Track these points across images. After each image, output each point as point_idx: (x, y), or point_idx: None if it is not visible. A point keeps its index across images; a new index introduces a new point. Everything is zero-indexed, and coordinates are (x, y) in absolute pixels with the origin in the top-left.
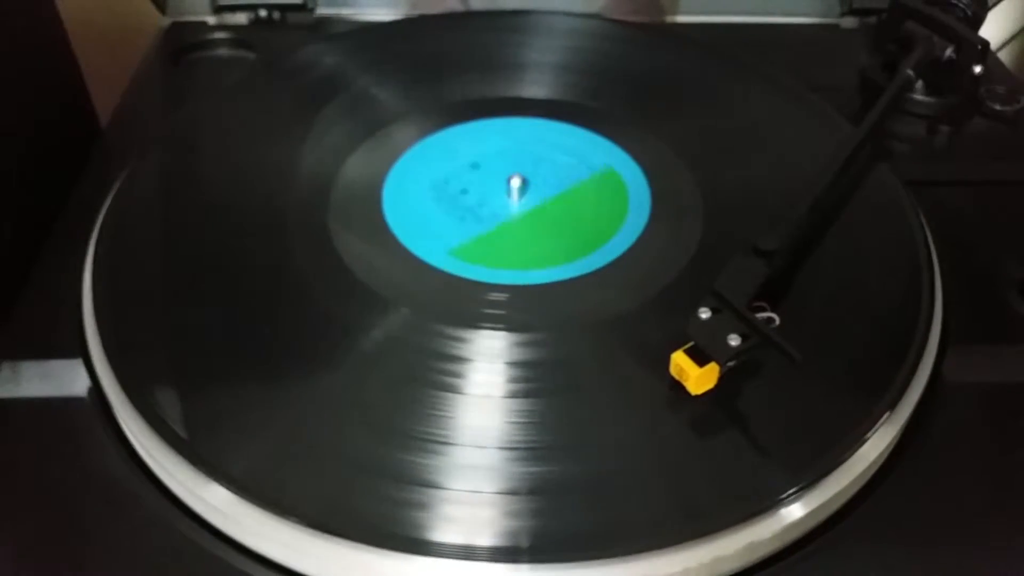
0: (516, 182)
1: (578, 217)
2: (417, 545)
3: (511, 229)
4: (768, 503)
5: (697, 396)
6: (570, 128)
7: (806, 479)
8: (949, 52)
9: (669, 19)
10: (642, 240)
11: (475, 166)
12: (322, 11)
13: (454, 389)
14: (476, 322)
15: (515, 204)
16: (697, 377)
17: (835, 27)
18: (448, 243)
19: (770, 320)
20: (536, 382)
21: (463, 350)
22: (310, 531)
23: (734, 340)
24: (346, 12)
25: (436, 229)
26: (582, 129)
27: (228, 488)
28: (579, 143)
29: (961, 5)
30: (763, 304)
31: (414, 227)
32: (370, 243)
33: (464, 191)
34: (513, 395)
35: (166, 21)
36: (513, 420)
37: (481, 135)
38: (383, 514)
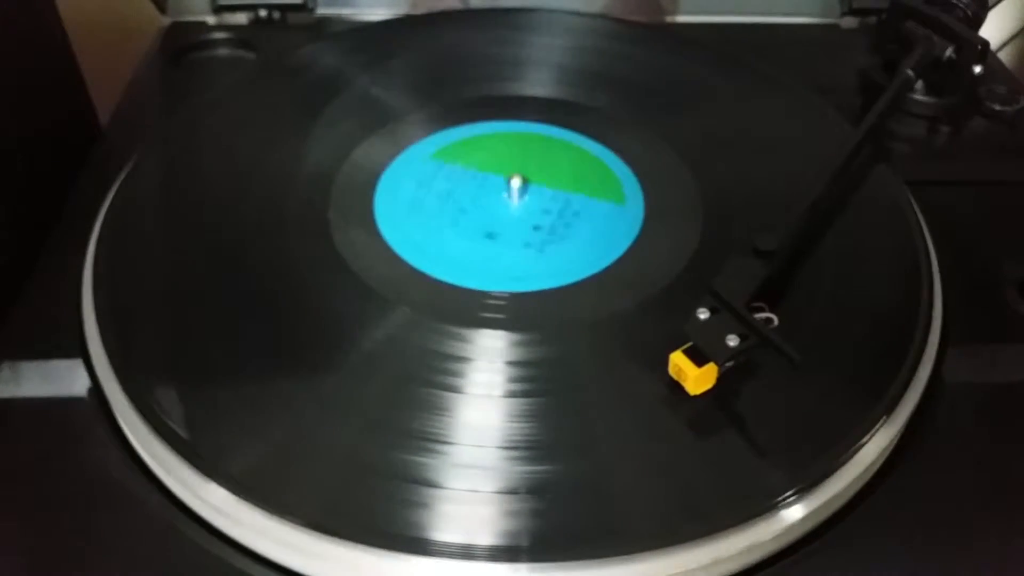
0: (516, 182)
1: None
2: (417, 545)
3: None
4: (768, 504)
5: (696, 396)
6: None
7: (806, 480)
8: (949, 52)
9: (669, 19)
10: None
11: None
12: (322, 11)
13: (454, 389)
14: (476, 322)
15: (514, 205)
16: (695, 377)
17: (835, 27)
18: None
19: (769, 320)
20: (536, 382)
21: (463, 350)
22: (310, 531)
23: (732, 340)
24: (346, 12)
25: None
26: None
27: (228, 488)
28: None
29: (961, 5)
30: (762, 304)
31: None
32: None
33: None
34: (513, 395)
35: (166, 21)
36: (513, 420)
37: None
38: (383, 514)
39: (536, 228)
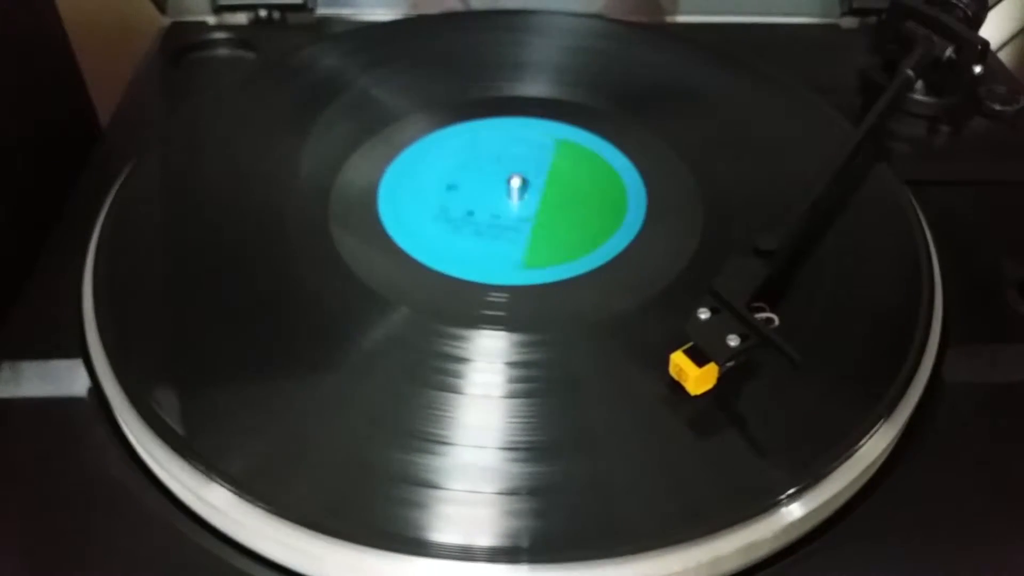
0: (516, 182)
1: (579, 212)
2: (417, 545)
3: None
4: (768, 503)
5: (696, 396)
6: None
7: (806, 479)
8: (949, 52)
9: (669, 19)
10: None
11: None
12: (322, 11)
13: (454, 389)
14: (476, 322)
15: (515, 205)
16: (696, 377)
17: (835, 27)
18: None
19: (769, 320)
20: (536, 382)
21: (463, 350)
22: (310, 531)
23: (733, 340)
24: (346, 12)
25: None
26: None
27: (228, 488)
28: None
29: (961, 5)
30: (762, 304)
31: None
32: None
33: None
34: (513, 395)
35: (166, 21)
36: (513, 420)
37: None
38: (383, 514)
39: (469, 214)
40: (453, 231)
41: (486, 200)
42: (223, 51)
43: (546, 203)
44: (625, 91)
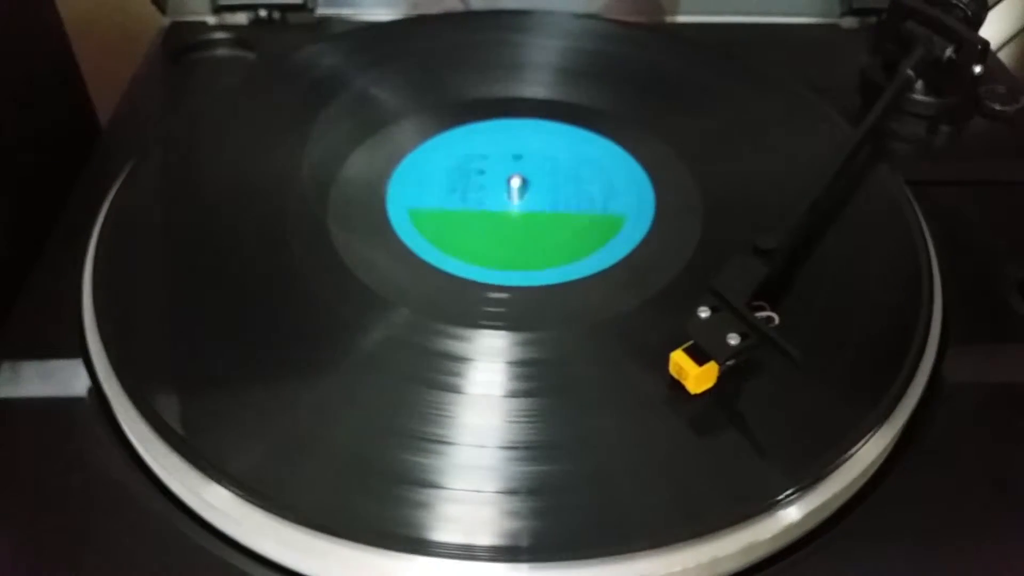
0: (516, 182)
1: (555, 237)
2: (417, 545)
3: (488, 220)
4: (767, 503)
5: (696, 395)
6: (588, 135)
7: (805, 479)
8: (949, 52)
9: (669, 19)
10: (642, 240)
11: (476, 167)
12: (322, 11)
13: (454, 389)
14: (476, 322)
15: (512, 203)
16: (696, 376)
17: (835, 27)
18: (412, 204)
19: (769, 319)
20: (536, 382)
21: (463, 350)
22: (310, 531)
23: (733, 339)
24: (346, 12)
25: (436, 227)
26: (601, 137)
27: (228, 488)
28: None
29: (961, 5)
30: (762, 303)
31: (415, 226)
32: (370, 243)
33: (471, 181)
34: (513, 395)
35: (166, 21)
36: (513, 420)
37: (481, 135)
38: (383, 514)
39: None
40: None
41: (489, 199)
42: (223, 51)
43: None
44: (625, 91)
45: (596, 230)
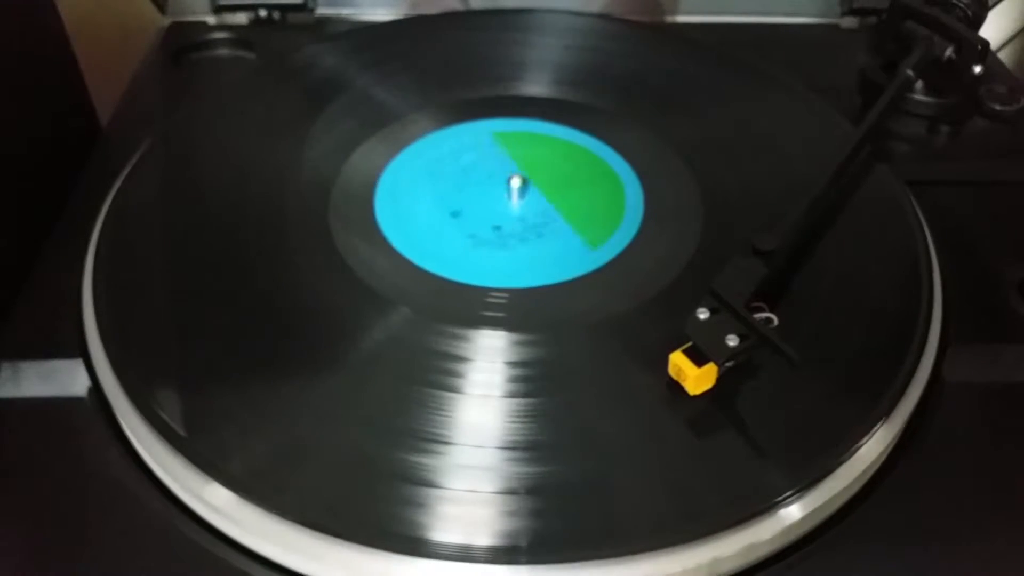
0: (516, 182)
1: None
2: (417, 545)
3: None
4: (767, 503)
5: (695, 396)
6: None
7: (805, 479)
8: (949, 52)
9: (669, 19)
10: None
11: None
12: (322, 11)
13: (454, 389)
14: (476, 322)
15: (514, 205)
16: (695, 377)
17: (835, 27)
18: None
19: (768, 320)
20: (535, 382)
21: (463, 350)
22: (310, 531)
23: (732, 340)
24: (346, 12)
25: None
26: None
27: (228, 488)
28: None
29: (961, 5)
30: (761, 304)
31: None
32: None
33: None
34: (513, 395)
35: (166, 21)
36: (512, 420)
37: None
38: (383, 514)
39: (496, 228)
40: (479, 244)
41: (493, 203)
42: (223, 51)
43: (555, 198)
44: (625, 91)
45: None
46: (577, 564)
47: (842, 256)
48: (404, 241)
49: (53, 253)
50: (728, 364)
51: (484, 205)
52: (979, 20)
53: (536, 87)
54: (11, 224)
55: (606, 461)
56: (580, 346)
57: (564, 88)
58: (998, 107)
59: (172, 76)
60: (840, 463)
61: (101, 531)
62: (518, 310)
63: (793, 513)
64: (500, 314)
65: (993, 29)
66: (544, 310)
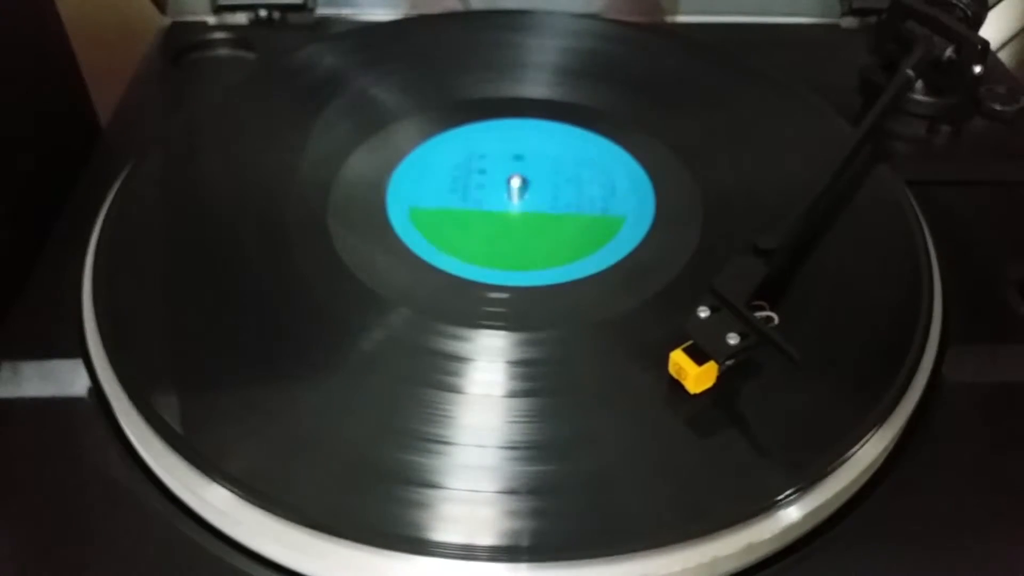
0: (516, 182)
1: (554, 237)
2: (417, 545)
3: (488, 220)
4: (767, 503)
5: (696, 395)
6: (588, 135)
7: (805, 479)
8: (949, 52)
9: (669, 19)
10: (642, 240)
11: (476, 167)
12: (322, 11)
13: (454, 389)
14: (476, 322)
15: (512, 203)
16: (696, 376)
17: (835, 27)
18: (413, 203)
19: (769, 319)
20: (536, 381)
21: (463, 350)
22: (310, 531)
23: (733, 339)
24: (346, 12)
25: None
26: (602, 138)
27: (228, 488)
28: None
29: (961, 5)
30: (762, 303)
31: (415, 226)
32: (370, 243)
33: (472, 180)
34: (513, 395)
35: (166, 21)
36: (513, 419)
37: (481, 135)
38: (383, 514)
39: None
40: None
41: (489, 199)
42: (223, 51)
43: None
44: (625, 91)
45: (596, 230)
46: (577, 563)
47: (842, 255)
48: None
49: (53, 253)
50: (729, 363)
51: (484, 205)
52: (979, 20)
53: (536, 87)
54: (11, 224)
55: (606, 460)
56: (581, 345)
57: (564, 89)
58: (998, 107)
59: (172, 76)
60: (840, 463)
61: (101, 531)
62: (519, 310)
63: (793, 513)
64: (501, 310)
65: (993, 29)
66: (545, 310)
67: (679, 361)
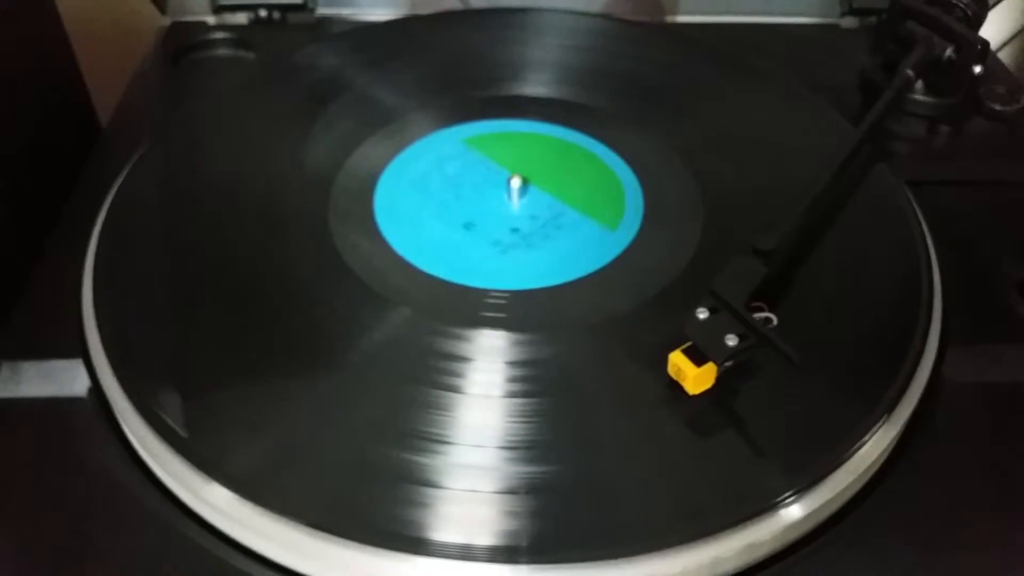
0: (516, 182)
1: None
2: (417, 545)
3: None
4: (767, 503)
5: (695, 396)
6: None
7: (805, 479)
8: (949, 52)
9: (669, 19)
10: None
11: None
12: (322, 11)
13: (454, 389)
14: (476, 322)
15: (514, 205)
16: (695, 377)
17: (835, 27)
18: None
19: (768, 320)
20: (535, 382)
21: (463, 350)
22: (310, 531)
23: (731, 340)
24: (346, 12)
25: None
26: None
27: (228, 488)
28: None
29: (961, 5)
30: (761, 304)
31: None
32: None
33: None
34: (513, 395)
35: (166, 21)
36: (513, 420)
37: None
38: (383, 514)
39: (514, 231)
40: (439, 220)
41: (490, 199)
42: (223, 51)
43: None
44: (625, 91)
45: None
46: (577, 564)
47: (842, 256)
48: (405, 241)
49: (53, 253)
50: (727, 364)
51: (485, 206)
52: (979, 20)
53: (536, 87)
54: (11, 224)
55: (606, 461)
56: (580, 346)
57: (564, 88)
58: (998, 107)
59: (172, 76)
60: (840, 463)
61: (101, 531)
62: (518, 310)
63: (793, 513)
64: (501, 312)
65: (993, 29)
66: (544, 310)
67: (678, 362)
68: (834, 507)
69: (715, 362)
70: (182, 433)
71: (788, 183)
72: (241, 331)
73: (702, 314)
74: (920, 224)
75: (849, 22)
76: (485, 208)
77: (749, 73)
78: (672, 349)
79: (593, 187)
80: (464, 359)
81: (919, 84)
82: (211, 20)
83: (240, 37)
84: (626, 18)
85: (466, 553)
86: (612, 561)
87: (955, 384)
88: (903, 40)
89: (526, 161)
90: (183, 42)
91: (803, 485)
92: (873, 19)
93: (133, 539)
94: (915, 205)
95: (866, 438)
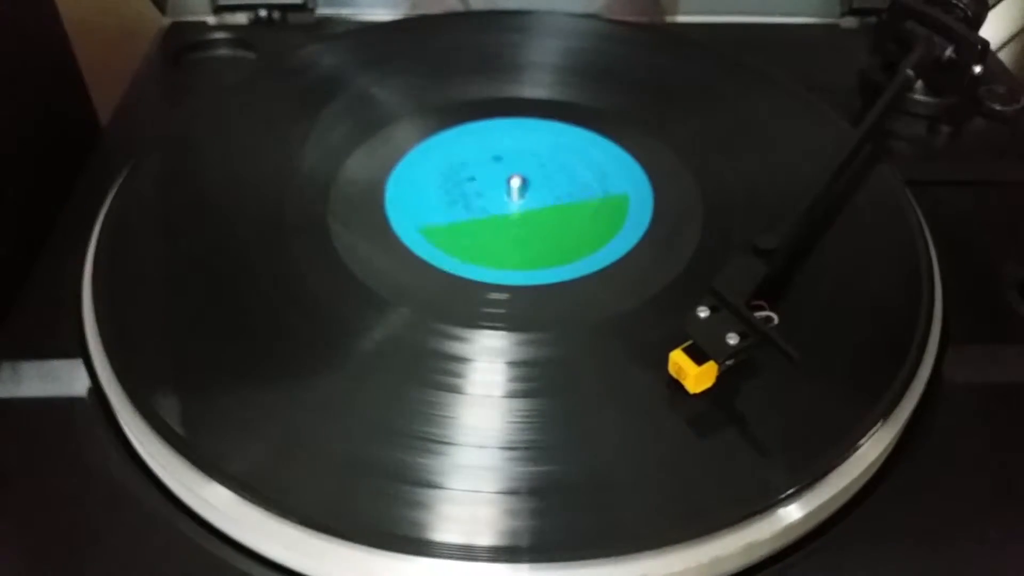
0: (516, 182)
1: (570, 229)
2: (417, 545)
3: (499, 224)
4: (767, 503)
5: (696, 395)
6: (584, 133)
7: (805, 479)
8: (949, 52)
9: (669, 19)
10: (642, 240)
11: (478, 167)
12: (322, 11)
13: (454, 389)
14: (476, 322)
15: (514, 203)
16: (695, 376)
17: (835, 27)
18: (422, 222)
19: (769, 319)
20: (536, 382)
21: (463, 350)
22: (310, 531)
23: (732, 339)
24: (346, 12)
25: (434, 227)
26: (594, 134)
27: (228, 488)
28: (598, 156)
29: (961, 5)
30: (762, 303)
31: (414, 225)
32: (371, 243)
33: (466, 189)
34: (513, 395)
35: (166, 21)
36: (513, 420)
37: (482, 135)
38: (383, 514)
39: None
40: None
41: (491, 199)
42: (223, 51)
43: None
44: (625, 91)
45: (607, 214)
46: (578, 564)
47: (842, 255)
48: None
49: (53, 253)
50: (728, 363)
51: (486, 206)
52: (979, 20)
53: (536, 88)
54: (11, 224)
55: (606, 460)
56: (581, 345)
57: (564, 89)
58: (998, 107)
59: (172, 76)
60: (840, 463)
61: (101, 531)
62: (519, 310)
63: (793, 513)
64: (501, 310)
65: (993, 29)
66: (545, 310)
67: (679, 361)
68: (834, 507)
69: (716, 361)
70: (182, 433)
71: (788, 183)
72: (241, 331)
73: (703, 313)
74: (920, 224)
75: (849, 22)
76: (486, 209)
77: (749, 73)
78: (673, 348)
79: (589, 234)
80: (464, 359)
81: (919, 84)
82: (211, 20)
83: (240, 37)
84: (626, 19)
85: (467, 553)
86: (612, 561)
87: (955, 384)
88: (903, 40)
89: (518, 247)
90: (183, 42)
91: (803, 484)
92: (873, 19)
93: (133, 539)
94: (915, 205)
95: (866, 438)
